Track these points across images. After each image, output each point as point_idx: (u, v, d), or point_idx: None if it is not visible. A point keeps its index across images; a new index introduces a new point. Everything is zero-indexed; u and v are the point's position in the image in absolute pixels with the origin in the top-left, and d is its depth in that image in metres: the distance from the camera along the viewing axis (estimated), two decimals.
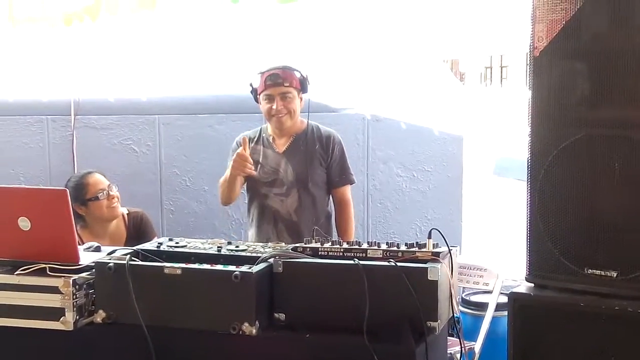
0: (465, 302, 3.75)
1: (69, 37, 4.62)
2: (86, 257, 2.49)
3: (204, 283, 2.27)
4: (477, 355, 3.08)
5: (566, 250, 2.25)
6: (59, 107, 4.84)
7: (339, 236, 3.62)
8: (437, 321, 2.16)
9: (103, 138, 4.86)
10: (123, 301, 2.29)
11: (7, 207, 2.45)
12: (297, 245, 2.42)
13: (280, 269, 2.28)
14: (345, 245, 2.36)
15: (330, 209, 3.74)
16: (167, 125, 4.88)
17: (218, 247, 2.52)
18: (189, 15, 4.40)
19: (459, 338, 2.56)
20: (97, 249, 2.78)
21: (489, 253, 5.77)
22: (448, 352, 2.65)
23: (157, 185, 4.90)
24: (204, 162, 4.80)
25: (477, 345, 3.12)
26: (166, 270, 2.29)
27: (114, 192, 3.69)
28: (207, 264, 2.35)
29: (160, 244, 2.58)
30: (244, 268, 2.25)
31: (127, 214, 3.79)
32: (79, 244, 2.63)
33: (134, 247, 2.55)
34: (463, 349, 2.64)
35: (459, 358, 2.83)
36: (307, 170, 3.59)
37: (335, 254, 2.33)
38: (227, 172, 3.55)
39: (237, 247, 2.52)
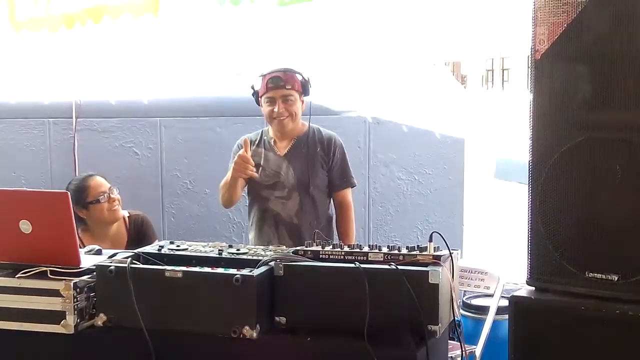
0: (466, 306, 3.74)
1: (70, 39, 4.62)
2: (87, 260, 2.49)
3: (205, 286, 2.27)
4: (478, 359, 3.08)
5: (567, 253, 2.24)
6: (60, 109, 4.84)
7: (339, 239, 3.62)
8: (438, 325, 2.16)
9: (104, 141, 4.87)
10: (124, 304, 2.29)
11: (8, 210, 2.45)
12: (298, 248, 2.41)
13: (281, 272, 2.28)
14: (346, 249, 2.36)
15: (331, 212, 3.74)
16: (168, 128, 4.89)
17: (219, 250, 2.51)
18: (190, 18, 4.40)
19: (460, 341, 2.56)
20: (98, 252, 2.78)
21: (490, 256, 5.76)
22: (449, 355, 2.64)
23: (159, 188, 4.90)
24: (205, 165, 4.80)
25: (478, 349, 3.12)
26: (167, 274, 2.29)
27: (115, 194, 3.69)
28: (208, 267, 2.35)
29: (161, 247, 2.58)
30: (245, 271, 2.25)
31: (128, 216, 3.79)
32: (80, 247, 2.63)
33: (135, 250, 2.55)
34: (464, 352, 2.64)
35: None
36: (308, 173, 3.58)
37: (336, 257, 2.33)
38: (229, 175, 3.54)
39: (238, 250, 2.52)
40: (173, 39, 4.95)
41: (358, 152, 4.77)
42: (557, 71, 2.24)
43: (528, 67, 2.32)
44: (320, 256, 2.34)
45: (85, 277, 2.40)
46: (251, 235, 3.74)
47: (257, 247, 2.63)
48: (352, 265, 2.24)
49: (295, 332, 2.27)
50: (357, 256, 2.30)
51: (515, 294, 2.35)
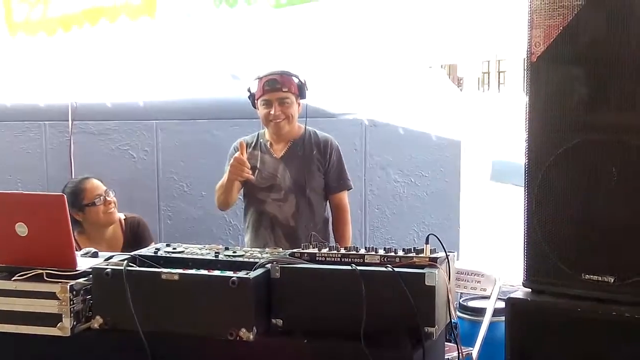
0: (463, 308, 3.75)
1: (66, 42, 4.62)
2: (83, 263, 2.49)
3: (202, 289, 2.27)
4: None
5: (563, 255, 2.25)
6: (56, 112, 4.83)
7: (336, 242, 3.62)
8: (434, 326, 2.16)
9: (101, 143, 4.86)
10: (120, 307, 2.28)
11: (4, 213, 2.45)
12: (294, 250, 2.41)
13: (278, 274, 2.28)
14: (342, 251, 2.35)
15: (327, 215, 3.74)
16: (164, 130, 4.88)
17: (215, 252, 2.51)
18: (187, 20, 4.40)
19: (457, 343, 2.55)
20: (95, 255, 2.77)
21: (487, 258, 5.77)
22: (445, 357, 2.64)
23: (155, 190, 4.90)
24: (201, 167, 4.79)
25: (475, 351, 3.12)
26: (163, 276, 2.29)
27: (111, 197, 3.69)
28: (205, 269, 2.35)
29: (158, 249, 2.58)
30: (242, 274, 2.25)
31: (124, 219, 3.79)
32: (76, 250, 2.62)
33: (131, 253, 2.54)
34: (460, 354, 2.64)
35: None
36: (304, 176, 3.59)
37: (333, 259, 2.33)
38: (225, 177, 3.54)
39: (234, 252, 2.52)
40: (169, 41, 4.95)
41: (354, 155, 4.77)
42: (553, 73, 2.25)
43: (524, 70, 2.32)
44: (317, 258, 2.34)
45: (81, 280, 2.39)
46: (247, 238, 3.74)
47: (253, 249, 2.63)
48: (349, 267, 2.23)
49: (292, 335, 2.26)
50: (354, 258, 2.30)
51: (512, 295, 2.35)
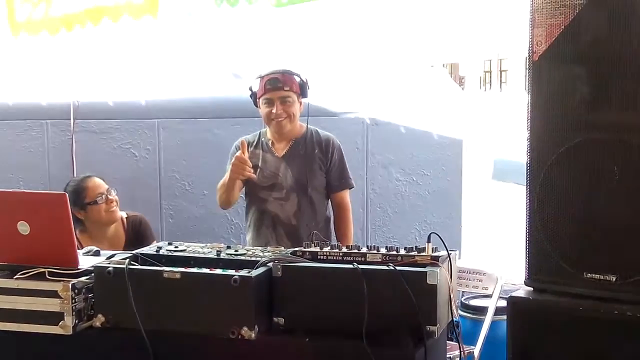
0: (465, 306, 3.74)
1: (68, 41, 4.62)
2: (85, 261, 2.49)
3: (203, 287, 2.27)
4: (476, 359, 3.08)
5: (565, 254, 2.25)
6: (58, 111, 4.84)
7: (337, 240, 3.62)
8: (436, 325, 2.16)
9: (102, 142, 4.87)
10: (122, 305, 2.29)
11: (6, 211, 2.45)
12: (296, 249, 2.41)
13: (280, 273, 2.28)
14: (344, 250, 2.35)
15: (329, 214, 3.74)
16: (166, 129, 4.89)
17: (217, 251, 2.52)
18: (188, 19, 4.40)
19: (458, 342, 2.56)
20: (96, 253, 2.78)
21: (488, 257, 5.77)
22: (447, 356, 2.64)
23: (157, 189, 4.90)
24: (203, 166, 4.80)
25: (476, 350, 3.12)
26: (165, 275, 2.29)
27: (113, 196, 3.69)
28: (207, 268, 2.35)
29: (160, 248, 2.58)
30: (243, 272, 2.25)
31: (126, 217, 3.79)
32: (78, 248, 2.63)
33: (133, 251, 2.54)
34: (462, 353, 2.64)
35: None
36: (306, 175, 3.59)
37: (335, 258, 2.32)
38: (226, 176, 3.55)
39: (236, 251, 2.52)
40: (171, 40, 4.96)
41: (356, 154, 4.77)
42: (555, 72, 2.25)
43: (526, 69, 2.32)
44: (319, 257, 2.34)
45: (83, 278, 2.39)
46: (248, 237, 3.74)
47: (255, 248, 2.63)
48: (351, 266, 2.23)
49: (293, 333, 2.26)
50: (355, 257, 2.30)
51: (514, 294, 2.35)
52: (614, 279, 2.17)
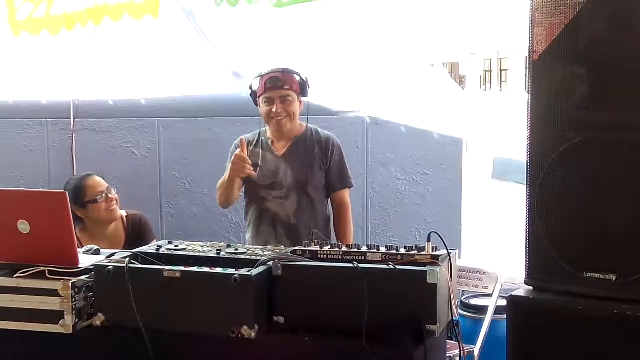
0: (465, 306, 3.75)
1: (68, 39, 4.62)
2: (85, 260, 2.49)
3: (203, 286, 2.27)
4: (476, 359, 3.08)
5: (565, 253, 2.25)
6: (58, 109, 4.84)
7: (337, 239, 3.62)
8: (436, 324, 2.16)
9: (102, 141, 4.87)
10: (122, 304, 2.29)
11: (6, 210, 2.45)
12: (296, 248, 2.41)
13: (280, 272, 2.28)
14: (344, 249, 2.35)
15: (329, 213, 3.74)
16: (166, 128, 4.89)
17: (217, 250, 2.51)
18: (188, 19, 4.40)
19: (458, 341, 2.56)
20: (97, 252, 2.78)
21: (489, 256, 5.77)
22: (447, 355, 2.65)
23: (157, 188, 4.90)
24: (203, 165, 4.80)
25: (477, 349, 3.12)
26: (165, 274, 2.29)
27: (113, 194, 3.69)
28: (207, 267, 2.35)
29: (160, 246, 2.58)
30: (243, 271, 2.25)
31: (126, 216, 3.79)
32: (78, 247, 2.63)
33: (133, 250, 2.55)
34: (462, 352, 2.64)
35: None
36: (306, 174, 3.58)
37: (335, 257, 2.33)
38: (226, 175, 3.54)
39: (236, 250, 2.52)
40: (171, 39, 4.95)
41: (356, 153, 4.77)
42: (555, 72, 2.24)
43: (526, 68, 2.32)
44: (319, 256, 2.34)
45: (83, 277, 2.39)
46: (248, 236, 3.74)
47: (255, 247, 2.63)
48: (351, 265, 2.24)
49: (293, 332, 2.27)
50: (355, 256, 2.30)
51: (514, 293, 2.35)
52: (614, 279, 2.17)
